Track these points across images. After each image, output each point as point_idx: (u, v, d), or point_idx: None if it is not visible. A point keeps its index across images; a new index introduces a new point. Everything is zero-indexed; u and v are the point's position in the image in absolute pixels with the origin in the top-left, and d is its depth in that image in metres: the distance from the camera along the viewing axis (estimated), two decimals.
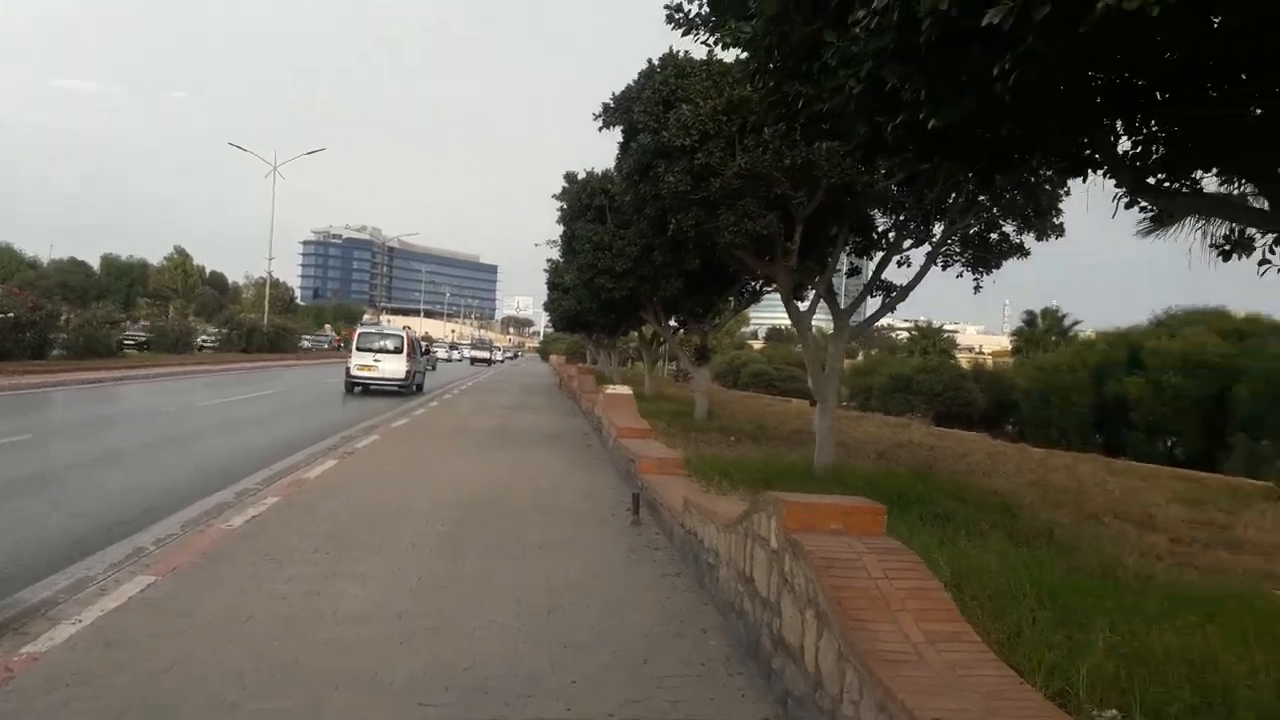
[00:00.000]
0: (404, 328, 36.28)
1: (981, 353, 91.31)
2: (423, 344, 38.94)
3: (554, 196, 29.46)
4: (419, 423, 19.71)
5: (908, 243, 15.37)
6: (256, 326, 57.17)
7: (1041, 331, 59.33)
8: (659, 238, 16.92)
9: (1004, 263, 15.16)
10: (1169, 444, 33.18)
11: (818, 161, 12.30)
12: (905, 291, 15.47)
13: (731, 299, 26.78)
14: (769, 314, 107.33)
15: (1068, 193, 13.73)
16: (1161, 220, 15.89)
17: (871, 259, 16.48)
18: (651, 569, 7.42)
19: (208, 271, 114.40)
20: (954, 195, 13.84)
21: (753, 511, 5.37)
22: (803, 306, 15.74)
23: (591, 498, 10.90)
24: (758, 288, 24.43)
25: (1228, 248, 5.58)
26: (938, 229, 14.78)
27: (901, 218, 15.16)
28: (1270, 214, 5.13)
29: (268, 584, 6.35)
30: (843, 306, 16.04)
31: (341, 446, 14.55)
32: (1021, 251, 14.90)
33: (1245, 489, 17.61)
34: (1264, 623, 5.10)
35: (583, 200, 26.39)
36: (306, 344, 68.88)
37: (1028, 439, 33.34)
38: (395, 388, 28.70)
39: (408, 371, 29.14)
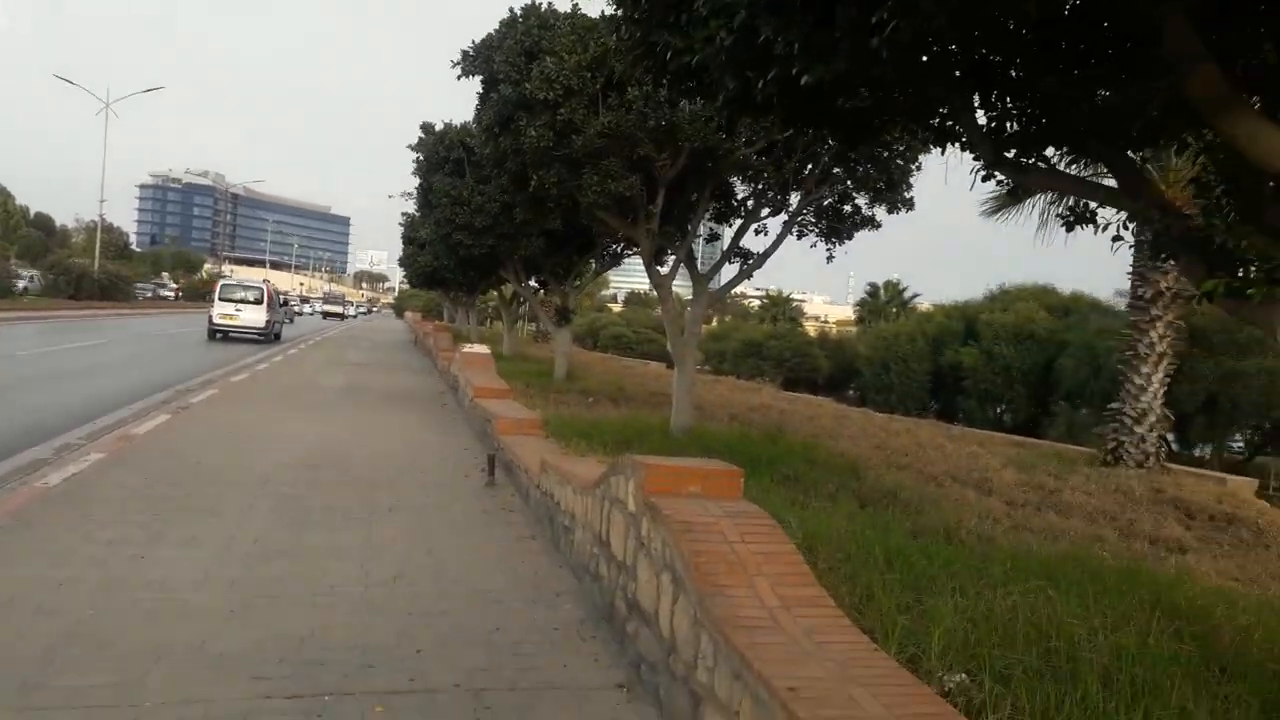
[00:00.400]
0: (264, 280, 38.40)
1: (827, 321, 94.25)
2: (281, 296, 42.17)
3: (410, 148, 28.43)
4: (262, 377, 18.80)
5: (765, 211, 15.57)
6: (86, 272, 53.69)
7: (883, 303, 61.52)
8: (520, 194, 16.49)
9: (855, 234, 15.57)
10: (999, 410, 35.03)
11: (681, 125, 12.25)
12: (762, 259, 15.68)
13: (593, 261, 26.60)
14: (629, 278, 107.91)
15: (919, 167, 14.23)
16: (1017, 195, 16.72)
17: (730, 226, 16.62)
18: (506, 531, 7.26)
19: (32, 213, 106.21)
20: (810, 166, 14.09)
21: (611, 474, 5.26)
22: (664, 271, 15.78)
23: (445, 459, 10.61)
24: (619, 250, 24.29)
25: (1071, 219, 5.85)
26: (794, 199, 15.01)
27: (760, 186, 15.30)
28: (1118, 191, 5.36)
29: (85, 548, 5.86)
30: (702, 272, 16.15)
31: (175, 401, 13.72)
32: (873, 224, 15.31)
33: (1069, 454, 18.77)
34: (1098, 585, 5.37)
35: (440, 152, 25.53)
36: (138, 294, 65.12)
37: (869, 404, 34.61)
38: (256, 335, 31.04)
39: (267, 321, 31.67)
